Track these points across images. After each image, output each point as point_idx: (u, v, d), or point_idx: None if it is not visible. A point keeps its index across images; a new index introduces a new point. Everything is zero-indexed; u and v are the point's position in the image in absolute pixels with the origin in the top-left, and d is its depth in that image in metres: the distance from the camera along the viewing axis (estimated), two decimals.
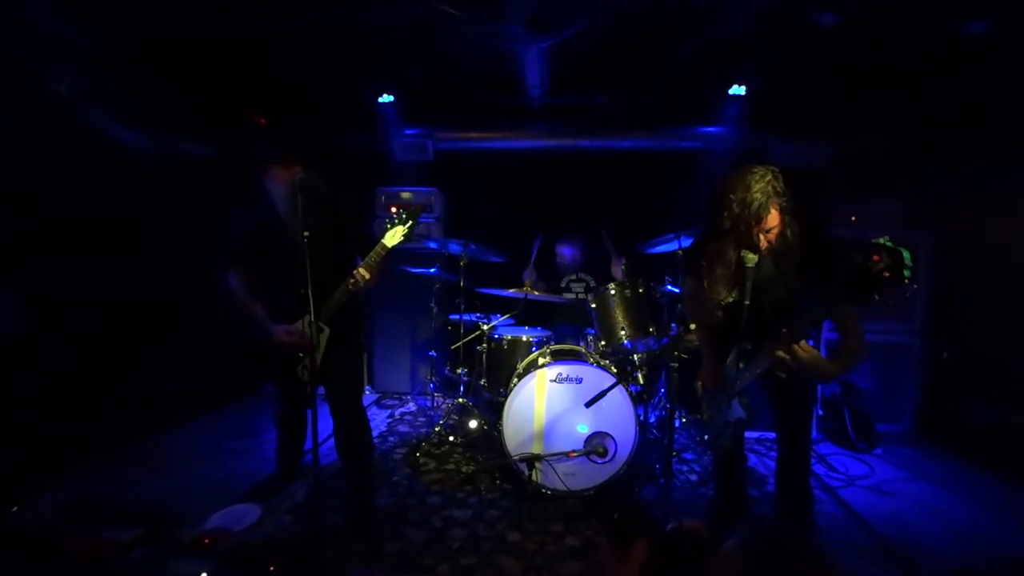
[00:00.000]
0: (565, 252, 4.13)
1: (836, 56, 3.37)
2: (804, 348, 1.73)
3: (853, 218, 3.76)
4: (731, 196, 1.86)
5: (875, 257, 1.37)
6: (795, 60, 3.54)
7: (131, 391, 3.58)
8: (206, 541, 2.12)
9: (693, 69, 3.69)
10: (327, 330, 2.32)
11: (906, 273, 1.33)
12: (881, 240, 1.37)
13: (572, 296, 4.06)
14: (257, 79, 3.98)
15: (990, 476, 3.21)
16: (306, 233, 2.00)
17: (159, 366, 3.81)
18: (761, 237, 1.88)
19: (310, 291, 1.99)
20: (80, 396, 3.24)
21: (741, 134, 4.19)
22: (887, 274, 1.35)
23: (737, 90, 3.90)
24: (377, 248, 2.23)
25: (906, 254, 1.33)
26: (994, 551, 2.40)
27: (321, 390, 2.42)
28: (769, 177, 1.84)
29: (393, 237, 2.23)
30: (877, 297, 1.39)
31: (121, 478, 2.88)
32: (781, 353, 1.72)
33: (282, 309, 2.31)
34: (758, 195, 1.81)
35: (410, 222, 2.24)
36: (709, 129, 4.32)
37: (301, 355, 2.29)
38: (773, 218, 1.86)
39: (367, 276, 2.24)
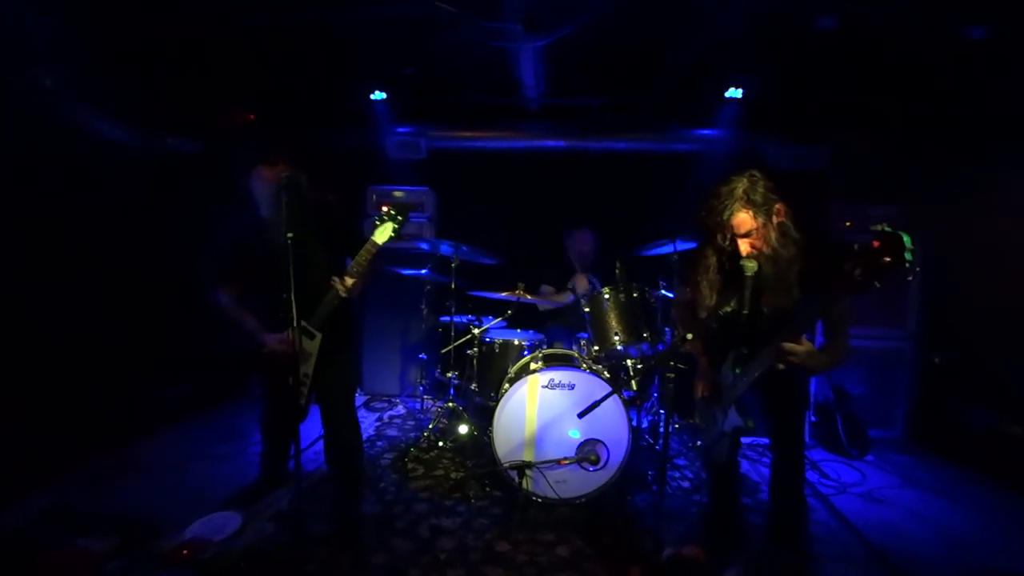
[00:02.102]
0: (582, 245, 4.04)
1: (833, 60, 3.35)
2: (802, 342, 1.74)
3: (848, 223, 3.75)
4: (705, 204, 1.91)
5: (875, 243, 1.34)
6: (792, 63, 3.52)
7: (113, 395, 3.48)
8: (184, 552, 2.05)
9: (690, 71, 3.65)
10: (319, 335, 2.27)
11: (907, 257, 1.30)
12: (879, 226, 1.35)
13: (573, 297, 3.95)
14: (248, 75, 3.90)
15: (981, 483, 3.20)
16: (290, 234, 1.95)
17: (142, 370, 3.71)
18: (739, 241, 1.85)
19: (292, 295, 1.94)
20: (60, 402, 3.14)
21: (737, 137, 4.17)
22: (888, 259, 1.32)
23: (733, 93, 3.87)
24: (367, 246, 2.22)
25: (906, 238, 1.30)
26: (984, 560, 2.39)
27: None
28: (743, 182, 1.85)
29: (382, 234, 2.23)
30: (878, 284, 1.37)
31: (100, 485, 2.78)
32: (788, 346, 1.71)
33: (275, 316, 2.26)
34: (724, 199, 1.84)
35: (400, 218, 2.24)
36: (705, 132, 4.29)
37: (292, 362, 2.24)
38: (743, 221, 1.83)
39: (351, 282, 2.22)
